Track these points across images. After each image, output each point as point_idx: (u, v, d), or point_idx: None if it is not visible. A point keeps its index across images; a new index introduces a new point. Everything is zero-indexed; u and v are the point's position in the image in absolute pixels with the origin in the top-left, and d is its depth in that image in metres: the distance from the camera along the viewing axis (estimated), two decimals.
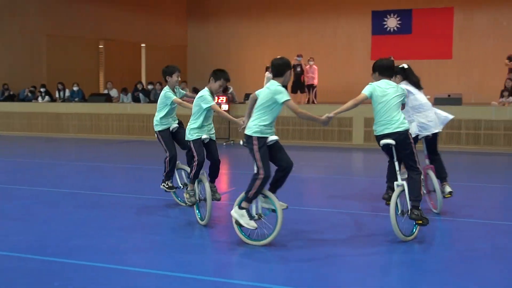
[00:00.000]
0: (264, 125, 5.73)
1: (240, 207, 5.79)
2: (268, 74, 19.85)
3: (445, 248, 5.88)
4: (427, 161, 7.20)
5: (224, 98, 16.10)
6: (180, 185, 7.73)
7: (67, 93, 19.95)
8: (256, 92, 5.91)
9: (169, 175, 7.70)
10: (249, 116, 5.98)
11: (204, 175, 6.70)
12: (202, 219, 6.64)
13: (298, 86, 18.83)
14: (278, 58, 5.93)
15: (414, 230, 6.01)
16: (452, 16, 22.37)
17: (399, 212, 5.95)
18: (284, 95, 5.68)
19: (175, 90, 7.69)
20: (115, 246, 5.75)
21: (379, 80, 6.15)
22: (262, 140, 5.71)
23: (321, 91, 20.02)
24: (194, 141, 6.76)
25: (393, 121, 5.94)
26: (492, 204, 8.18)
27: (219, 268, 5.17)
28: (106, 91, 20.36)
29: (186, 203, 7.20)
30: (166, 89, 7.63)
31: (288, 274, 4.95)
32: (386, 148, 6.07)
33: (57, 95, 20.17)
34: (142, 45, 24.80)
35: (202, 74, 25.51)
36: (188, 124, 6.85)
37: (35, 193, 8.70)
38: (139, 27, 24.31)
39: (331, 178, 10.49)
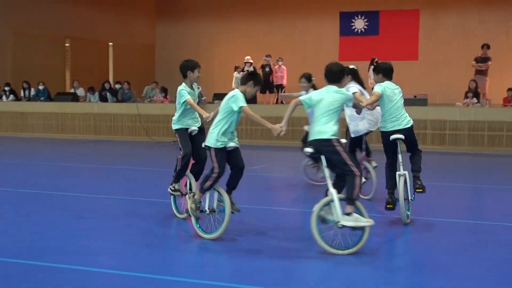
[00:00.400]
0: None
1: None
2: (236, 74, 19.87)
3: (411, 246, 5.98)
4: (363, 153, 8.07)
5: None
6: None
7: (33, 92, 19.61)
8: (301, 98, 5.82)
9: (179, 176, 6.88)
10: (288, 120, 5.79)
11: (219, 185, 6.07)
12: (205, 232, 6.03)
13: (267, 86, 18.86)
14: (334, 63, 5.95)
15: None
16: (418, 18, 22.72)
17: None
18: None
19: (193, 87, 6.98)
20: (84, 247, 5.69)
21: (382, 81, 6.70)
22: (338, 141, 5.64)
23: (290, 91, 20.07)
24: (218, 150, 5.95)
25: (403, 118, 6.62)
26: (456, 203, 8.35)
27: (191, 269, 5.16)
28: (72, 90, 20.09)
29: (184, 215, 6.61)
30: (182, 86, 6.84)
31: (257, 274, 4.97)
32: (394, 143, 6.59)
33: (22, 94, 19.81)
34: (110, 43, 24.54)
35: (171, 73, 25.28)
36: (211, 129, 6.02)
37: (0, 194, 8.54)
38: (106, 26, 24.05)
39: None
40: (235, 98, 5.94)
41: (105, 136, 17.51)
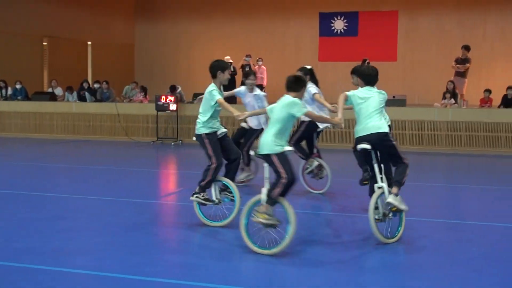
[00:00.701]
0: None
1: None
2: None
3: (389, 245, 6.01)
4: (315, 150, 8.56)
5: (172, 97, 15.98)
6: (215, 199, 6.64)
7: (10, 91, 19.35)
8: (348, 93, 6.16)
9: (207, 186, 6.61)
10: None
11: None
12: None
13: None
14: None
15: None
16: (396, 19, 22.89)
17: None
18: None
19: (220, 88, 6.77)
20: (60, 248, 5.63)
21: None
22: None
23: (270, 91, 20.07)
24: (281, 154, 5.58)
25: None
26: (434, 202, 8.42)
27: (168, 269, 5.13)
28: (50, 90, 19.87)
29: (221, 222, 6.53)
30: (212, 86, 6.61)
31: (235, 274, 4.96)
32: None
33: None
34: (89, 42, 24.33)
35: (150, 73, 25.45)
36: (267, 135, 5.63)
37: None
38: (85, 25, 23.83)
39: None
40: (295, 104, 5.55)
41: (84, 136, 17.35)
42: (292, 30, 24.05)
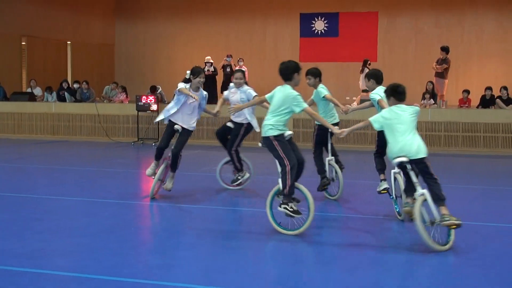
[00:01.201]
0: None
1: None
2: None
3: (371, 247, 6.06)
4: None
5: (153, 98, 15.92)
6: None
7: None
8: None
9: (292, 191, 6.18)
10: None
11: None
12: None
13: (227, 86, 18.84)
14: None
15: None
16: (376, 20, 23.04)
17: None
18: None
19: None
20: (39, 249, 5.58)
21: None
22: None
23: None
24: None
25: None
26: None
27: (147, 270, 5.11)
28: (29, 90, 19.66)
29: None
30: (290, 88, 6.37)
31: (214, 274, 4.96)
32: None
33: None
34: (68, 42, 24.11)
35: (130, 73, 25.29)
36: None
37: None
38: (64, 24, 23.60)
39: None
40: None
41: (63, 137, 17.21)
42: (272, 31, 24.08)
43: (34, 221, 6.80)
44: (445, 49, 16.80)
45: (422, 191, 5.91)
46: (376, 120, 6.20)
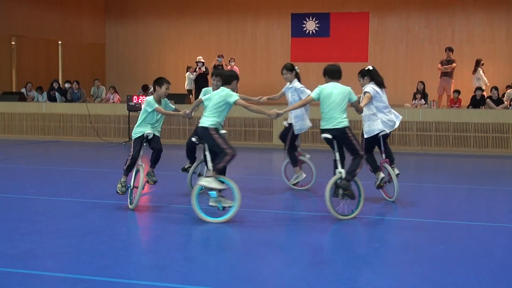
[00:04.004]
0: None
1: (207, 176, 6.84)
2: (190, 75, 19.79)
3: (360, 245, 6.08)
4: (383, 156, 8.09)
5: (144, 98, 15.84)
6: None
7: None
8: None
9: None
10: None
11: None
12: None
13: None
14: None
15: (355, 211, 6.96)
16: (367, 21, 23.10)
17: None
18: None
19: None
20: (28, 250, 5.55)
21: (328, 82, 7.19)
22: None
23: (242, 91, 20.01)
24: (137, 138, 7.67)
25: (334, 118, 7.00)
26: (402, 201, 8.51)
27: (139, 271, 5.10)
28: (23, 90, 19.54)
29: None
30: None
31: (207, 274, 4.96)
32: (328, 140, 7.03)
33: None
34: (59, 42, 24.00)
35: (121, 73, 25.22)
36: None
37: None
38: (54, 24, 23.49)
39: (252, 179, 10.58)
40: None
41: (54, 137, 17.13)
42: (264, 31, 24.09)
43: (23, 222, 6.75)
44: (451, 49, 17.16)
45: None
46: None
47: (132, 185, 7.42)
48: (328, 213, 6.94)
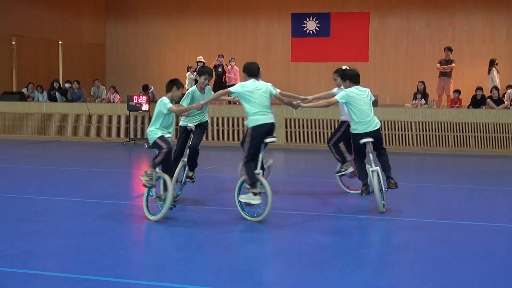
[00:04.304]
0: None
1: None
2: (190, 75, 19.77)
3: (360, 245, 6.07)
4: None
5: (145, 97, 15.88)
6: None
7: None
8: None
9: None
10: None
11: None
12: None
13: (220, 86, 18.81)
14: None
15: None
16: (368, 21, 23.08)
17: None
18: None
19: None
20: (28, 250, 5.55)
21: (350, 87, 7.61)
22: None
23: None
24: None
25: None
26: (404, 201, 8.52)
27: (140, 271, 5.11)
28: (25, 90, 19.53)
29: None
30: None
31: (207, 274, 4.96)
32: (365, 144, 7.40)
33: None
34: (59, 42, 24.00)
35: (121, 73, 25.19)
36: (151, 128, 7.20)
37: None
38: (55, 24, 23.48)
39: None
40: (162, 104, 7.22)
41: (54, 137, 17.13)
42: (264, 31, 24.07)
43: (23, 222, 6.75)
44: (450, 49, 17.13)
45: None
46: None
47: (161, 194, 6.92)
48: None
